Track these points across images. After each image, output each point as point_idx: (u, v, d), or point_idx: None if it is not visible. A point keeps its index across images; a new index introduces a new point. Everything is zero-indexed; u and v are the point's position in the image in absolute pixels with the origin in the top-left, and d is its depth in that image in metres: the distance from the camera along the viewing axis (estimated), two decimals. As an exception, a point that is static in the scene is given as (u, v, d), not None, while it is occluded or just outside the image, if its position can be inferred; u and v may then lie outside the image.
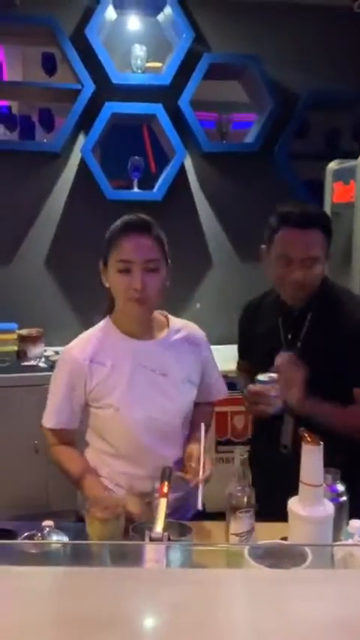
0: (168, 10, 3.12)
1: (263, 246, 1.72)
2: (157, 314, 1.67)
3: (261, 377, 1.62)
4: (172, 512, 1.43)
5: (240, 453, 1.29)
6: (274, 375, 1.61)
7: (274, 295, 1.78)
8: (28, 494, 2.86)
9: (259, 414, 1.67)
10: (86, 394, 1.58)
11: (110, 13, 3.14)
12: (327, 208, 2.88)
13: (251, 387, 1.64)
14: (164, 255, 1.58)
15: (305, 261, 1.62)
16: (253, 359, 1.81)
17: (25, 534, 1.18)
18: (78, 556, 1.11)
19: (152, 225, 1.57)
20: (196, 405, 1.69)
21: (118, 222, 1.58)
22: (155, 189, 3.22)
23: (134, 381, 1.55)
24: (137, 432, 1.56)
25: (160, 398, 1.58)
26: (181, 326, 1.68)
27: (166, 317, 1.69)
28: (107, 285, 1.58)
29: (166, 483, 1.24)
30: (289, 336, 1.72)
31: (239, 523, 1.28)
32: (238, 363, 1.94)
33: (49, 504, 2.87)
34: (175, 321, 1.69)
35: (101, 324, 1.66)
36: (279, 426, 1.71)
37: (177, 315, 1.74)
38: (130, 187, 3.20)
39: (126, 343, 1.60)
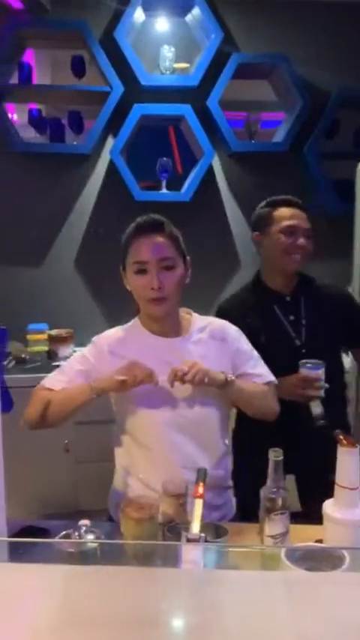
0: (196, 11, 3.12)
1: (256, 232, 2.02)
2: (182, 312, 1.69)
3: (308, 363, 1.81)
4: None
5: (274, 455, 1.28)
6: (316, 360, 1.82)
7: (257, 289, 2.04)
8: (58, 493, 2.89)
9: (308, 399, 1.83)
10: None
11: (139, 15, 3.15)
12: (358, 208, 2.85)
13: (301, 373, 1.82)
14: (180, 252, 1.60)
15: (305, 232, 1.94)
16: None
17: (63, 533, 1.19)
18: (114, 555, 1.12)
19: (164, 224, 1.59)
20: None
21: (132, 225, 1.60)
22: (183, 190, 3.22)
23: (158, 378, 1.55)
24: (160, 430, 1.57)
25: (188, 395, 1.58)
26: (205, 323, 1.68)
27: (189, 314, 1.70)
28: (129, 288, 1.62)
29: (201, 484, 1.24)
30: (292, 318, 1.97)
31: (274, 525, 1.27)
32: None
33: (78, 503, 2.89)
34: (199, 319, 1.70)
35: (130, 322, 1.70)
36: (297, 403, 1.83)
37: (205, 315, 1.75)
38: (157, 188, 3.21)
39: (151, 341, 1.62)
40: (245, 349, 1.69)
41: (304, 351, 1.93)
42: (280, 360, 1.80)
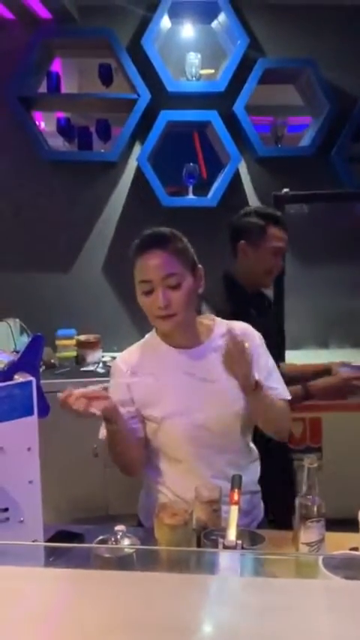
0: (222, 17, 3.13)
1: (243, 241, 2.10)
2: (204, 319, 1.64)
3: (344, 364, 1.99)
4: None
5: (309, 462, 1.27)
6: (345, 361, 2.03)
7: (234, 291, 2.10)
8: (87, 497, 2.90)
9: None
10: (135, 403, 1.58)
11: (165, 22, 3.17)
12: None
13: (342, 374, 1.98)
14: (187, 265, 1.52)
15: (284, 253, 2.13)
16: None
17: (99, 538, 1.20)
18: (151, 562, 1.12)
19: (168, 238, 1.52)
20: None
21: (136, 241, 1.55)
22: (210, 195, 3.23)
23: (180, 391, 1.53)
24: (186, 443, 1.55)
25: (211, 406, 1.55)
26: (227, 328, 1.60)
27: (212, 320, 1.65)
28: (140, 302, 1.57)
29: (237, 491, 1.24)
30: (261, 320, 2.04)
31: (310, 532, 1.27)
32: None
33: (107, 508, 2.91)
34: (221, 324, 1.64)
35: (147, 336, 1.67)
36: None
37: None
38: (182, 193, 3.23)
39: (170, 354, 1.59)
40: (264, 358, 1.62)
41: None
42: None
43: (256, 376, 1.48)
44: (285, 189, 2.83)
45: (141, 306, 1.56)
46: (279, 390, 1.62)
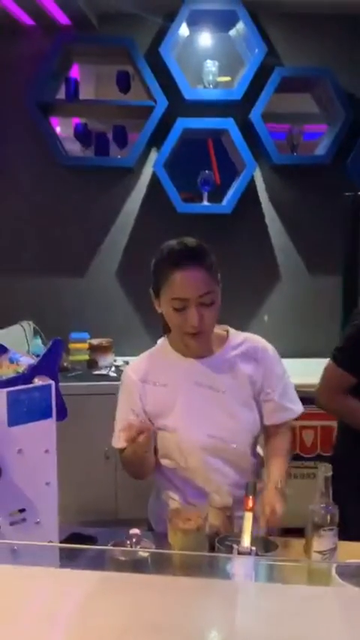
0: (240, 26, 3.14)
1: None
2: (217, 329, 1.62)
3: None
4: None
5: (324, 470, 1.28)
6: None
7: None
8: (97, 500, 2.91)
9: None
10: (146, 413, 1.58)
11: (183, 30, 3.19)
12: None
13: None
14: (217, 279, 1.52)
15: None
16: None
17: (115, 541, 1.21)
18: (166, 566, 1.13)
19: (203, 253, 1.50)
20: (274, 429, 1.63)
21: (165, 252, 1.51)
22: (224, 202, 3.25)
23: (191, 400, 1.53)
24: (196, 452, 1.55)
25: (222, 416, 1.55)
26: (241, 341, 1.61)
27: (227, 331, 1.63)
28: (160, 311, 1.56)
29: (252, 497, 1.25)
30: None
31: (323, 541, 1.27)
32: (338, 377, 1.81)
33: (117, 512, 2.92)
34: (236, 336, 1.62)
35: (158, 344, 1.67)
36: None
37: (244, 328, 1.71)
38: (196, 199, 3.24)
39: (181, 363, 1.59)
40: (278, 373, 1.60)
41: None
42: None
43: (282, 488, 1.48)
44: None
45: (162, 313, 1.56)
46: (292, 410, 1.61)
